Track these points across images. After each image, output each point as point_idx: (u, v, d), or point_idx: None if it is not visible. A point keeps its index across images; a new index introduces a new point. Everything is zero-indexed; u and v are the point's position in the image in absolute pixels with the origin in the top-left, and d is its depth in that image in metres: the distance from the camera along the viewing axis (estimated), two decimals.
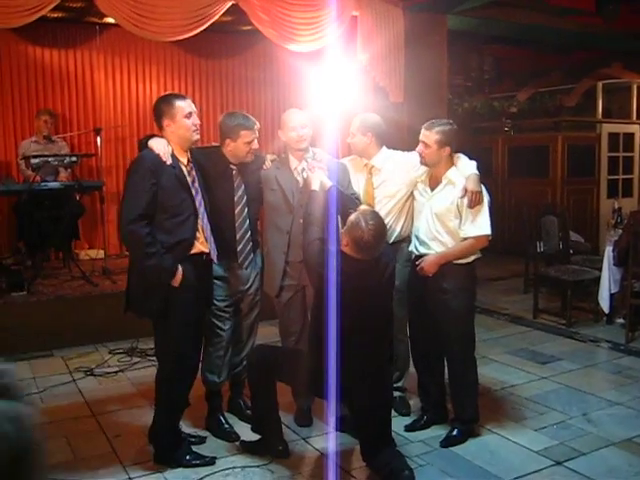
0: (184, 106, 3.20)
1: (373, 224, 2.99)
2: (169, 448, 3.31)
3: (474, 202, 3.38)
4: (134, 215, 3.05)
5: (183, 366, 3.26)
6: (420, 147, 3.50)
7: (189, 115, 3.21)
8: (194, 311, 3.25)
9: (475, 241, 3.46)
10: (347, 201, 3.35)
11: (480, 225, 3.43)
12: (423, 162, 3.52)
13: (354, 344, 3.02)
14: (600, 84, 9.58)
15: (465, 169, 3.47)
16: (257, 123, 3.55)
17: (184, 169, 3.23)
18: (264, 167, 3.67)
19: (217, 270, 3.53)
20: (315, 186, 3.34)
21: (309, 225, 3.22)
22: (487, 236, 3.46)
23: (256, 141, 3.53)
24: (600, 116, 9.57)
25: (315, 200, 3.29)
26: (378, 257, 3.10)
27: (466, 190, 3.38)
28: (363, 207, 3.25)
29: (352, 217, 3.05)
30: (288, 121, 3.59)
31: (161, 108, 3.22)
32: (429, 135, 3.46)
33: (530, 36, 8.75)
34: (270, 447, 3.39)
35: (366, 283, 3.05)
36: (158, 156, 3.12)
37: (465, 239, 3.46)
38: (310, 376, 3.15)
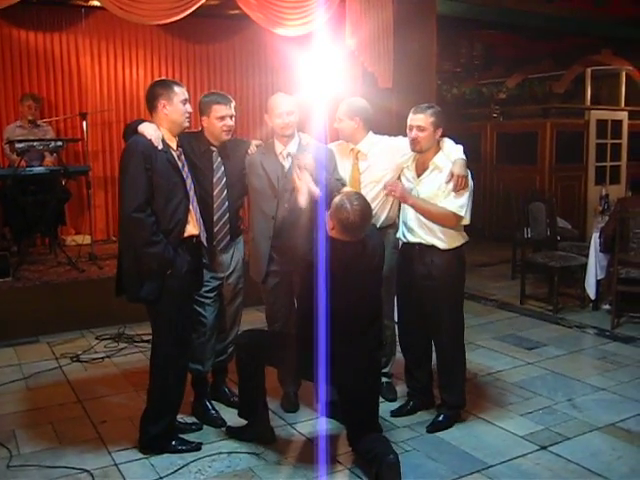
0: (180, 92, 3.23)
1: (358, 204, 2.99)
2: (157, 438, 3.30)
3: (459, 186, 3.36)
4: (138, 202, 3.06)
5: (180, 350, 3.26)
6: (414, 132, 3.43)
7: (185, 101, 3.24)
8: (188, 294, 3.28)
9: (450, 214, 3.40)
10: (333, 187, 3.34)
11: (457, 204, 3.38)
12: (418, 148, 3.45)
13: (344, 330, 3.02)
14: (589, 71, 9.58)
15: (451, 154, 3.45)
16: (233, 101, 3.54)
17: (174, 154, 3.24)
18: (249, 152, 3.65)
19: None
20: (302, 203, 3.30)
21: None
22: (460, 217, 3.41)
23: (230, 119, 3.50)
24: (589, 103, 9.58)
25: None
26: (365, 240, 3.09)
27: (452, 174, 3.37)
28: (346, 189, 3.24)
29: (336, 200, 3.03)
30: (274, 107, 3.56)
31: (157, 90, 3.22)
32: (424, 118, 3.41)
33: (520, 22, 8.72)
34: (256, 433, 3.39)
35: (355, 266, 3.04)
36: (150, 141, 3.11)
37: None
38: (299, 361, 3.15)
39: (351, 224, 2.97)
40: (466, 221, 3.46)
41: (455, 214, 3.40)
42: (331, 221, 3.04)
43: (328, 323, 2.98)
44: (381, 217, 3.72)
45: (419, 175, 3.53)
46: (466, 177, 3.38)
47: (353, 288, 3.03)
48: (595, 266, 5.63)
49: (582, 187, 9.17)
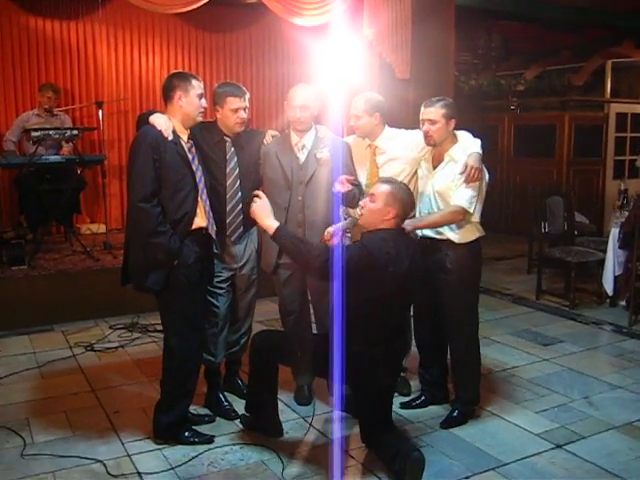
0: (197, 86, 3.22)
1: (405, 185, 3.16)
2: (170, 427, 3.30)
3: (471, 178, 3.31)
4: (144, 193, 3.07)
5: (191, 340, 3.26)
6: (426, 126, 3.40)
7: (200, 96, 3.23)
8: (197, 285, 3.26)
9: (455, 209, 3.35)
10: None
11: (464, 196, 3.32)
12: (431, 142, 3.42)
13: (376, 331, 3.00)
14: (609, 63, 9.44)
15: (469, 147, 3.40)
16: (247, 93, 3.51)
17: (185, 146, 3.22)
18: (264, 142, 3.62)
19: None
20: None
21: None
22: (464, 210, 3.33)
23: (244, 112, 3.47)
24: (608, 96, 9.45)
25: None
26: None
27: (466, 165, 3.32)
28: (385, 178, 3.27)
29: (388, 188, 3.03)
30: (291, 98, 3.53)
31: (175, 81, 3.21)
32: (435, 111, 3.38)
33: (539, 13, 8.61)
34: (264, 426, 3.37)
35: (417, 261, 3.07)
36: (160, 132, 3.11)
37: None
38: (318, 360, 3.11)
39: (410, 206, 3.11)
40: (474, 218, 3.41)
41: (461, 207, 3.33)
42: (393, 209, 3.00)
43: (357, 324, 2.95)
44: None
45: (434, 167, 3.49)
46: (479, 170, 3.33)
47: (412, 285, 3.07)
48: (613, 262, 5.57)
49: (600, 181, 9.06)
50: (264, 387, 3.28)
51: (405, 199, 3.03)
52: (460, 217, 3.37)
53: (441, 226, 3.41)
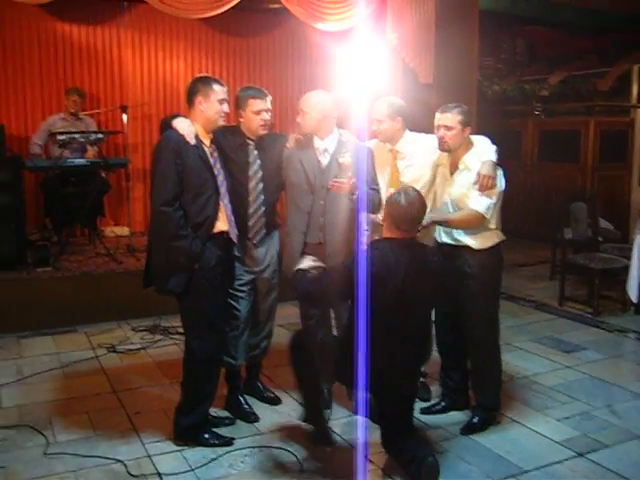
0: (220, 91, 3.24)
1: (412, 196, 3.00)
2: (191, 429, 3.33)
3: (484, 187, 3.30)
4: (166, 196, 3.11)
5: (212, 343, 3.28)
6: (441, 132, 3.39)
7: (222, 101, 3.25)
8: (218, 288, 3.29)
9: (473, 213, 3.34)
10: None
11: (483, 204, 3.32)
12: (445, 147, 3.42)
13: (396, 340, 2.98)
14: (636, 67, 9.33)
15: (484, 154, 3.39)
16: (269, 96, 3.53)
17: (207, 150, 3.25)
18: (287, 146, 3.64)
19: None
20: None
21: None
22: (482, 215, 3.33)
23: (267, 114, 3.49)
24: (634, 101, 9.34)
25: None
26: (425, 247, 3.14)
27: (479, 175, 3.31)
28: (403, 184, 3.30)
29: (391, 194, 3.05)
30: None
31: (197, 86, 3.24)
32: (451, 117, 3.37)
33: (564, 17, 8.55)
34: (316, 438, 3.34)
35: (416, 273, 2.99)
36: (182, 136, 3.13)
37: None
38: (336, 363, 3.10)
39: (400, 215, 2.96)
40: (491, 224, 3.39)
41: (478, 213, 3.32)
42: (384, 215, 3.05)
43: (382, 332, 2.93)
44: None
45: (452, 174, 3.48)
46: (492, 178, 3.31)
47: (414, 288, 2.97)
48: (638, 269, 5.49)
49: (625, 187, 8.95)
50: (312, 387, 3.22)
51: (397, 207, 2.97)
52: (477, 222, 3.36)
53: (458, 227, 3.39)
